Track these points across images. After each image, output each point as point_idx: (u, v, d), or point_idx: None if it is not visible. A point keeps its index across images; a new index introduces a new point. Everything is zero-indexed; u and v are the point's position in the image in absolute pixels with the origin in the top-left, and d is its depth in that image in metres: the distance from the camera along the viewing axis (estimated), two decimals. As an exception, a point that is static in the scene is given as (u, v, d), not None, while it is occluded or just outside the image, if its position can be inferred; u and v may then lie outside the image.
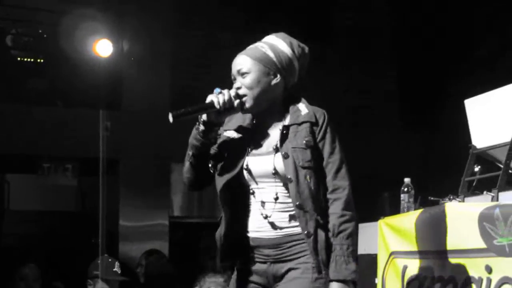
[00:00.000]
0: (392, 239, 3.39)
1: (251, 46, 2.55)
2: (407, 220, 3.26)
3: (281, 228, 2.45)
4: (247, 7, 7.12)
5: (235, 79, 2.52)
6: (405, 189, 3.47)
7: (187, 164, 2.54)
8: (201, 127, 2.46)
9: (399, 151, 7.19)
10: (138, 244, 6.34)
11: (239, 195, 2.51)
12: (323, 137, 2.48)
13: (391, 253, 3.39)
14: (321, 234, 2.41)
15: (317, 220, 2.41)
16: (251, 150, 2.50)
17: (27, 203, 7.10)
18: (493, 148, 3.17)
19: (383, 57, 7.88)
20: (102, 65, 6.16)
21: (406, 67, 7.58)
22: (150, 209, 6.79)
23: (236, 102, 2.45)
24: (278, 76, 2.50)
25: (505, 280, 2.65)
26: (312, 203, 2.41)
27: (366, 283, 3.69)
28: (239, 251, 2.51)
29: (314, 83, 7.45)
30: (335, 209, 2.43)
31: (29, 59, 6.62)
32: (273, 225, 2.45)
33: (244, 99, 2.47)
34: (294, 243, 2.44)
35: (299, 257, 2.43)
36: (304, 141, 2.44)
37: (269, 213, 2.46)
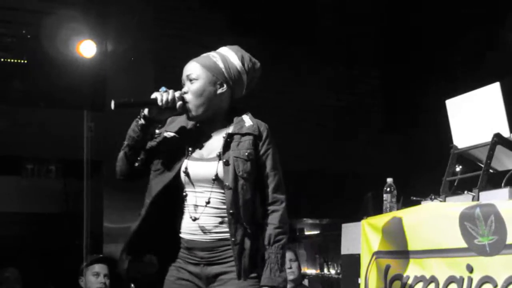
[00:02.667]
0: (375, 239, 3.41)
1: (204, 54, 2.65)
2: (390, 220, 3.28)
3: (212, 232, 2.53)
4: (229, 9, 7.13)
5: (184, 83, 2.60)
6: (388, 189, 3.49)
7: (121, 153, 2.64)
8: (141, 121, 2.55)
9: (382, 151, 7.23)
10: (123, 246, 6.30)
11: (171, 196, 2.57)
12: (266, 151, 2.57)
13: (374, 253, 3.41)
14: (247, 242, 2.51)
15: (246, 229, 2.51)
16: (191, 154, 2.58)
17: (10, 205, 7.03)
18: (474, 148, 3.20)
19: (365, 57, 7.92)
20: (85, 65, 6.13)
21: (388, 67, 7.63)
22: (135, 210, 6.73)
23: (179, 103, 2.53)
24: (225, 86, 2.58)
25: (486, 279, 2.67)
26: (244, 212, 2.50)
27: (349, 283, 3.71)
28: (169, 251, 2.58)
29: (298, 83, 7.53)
30: (273, 220, 2.54)
31: (12, 60, 6.56)
32: (203, 229, 2.53)
33: (187, 104, 2.55)
34: (226, 247, 2.52)
35: (231, 261, 2.52)
36: (247, 153, 2.53)
37: (198, 216, 2.53)
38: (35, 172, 6.67)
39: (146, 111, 2.55)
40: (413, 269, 3.09)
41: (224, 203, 2.51)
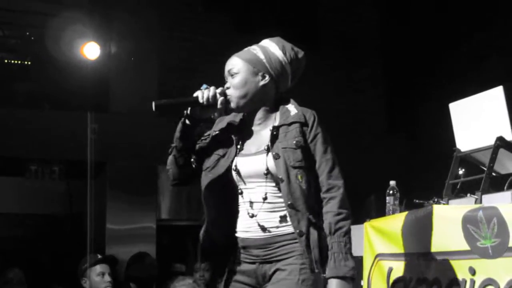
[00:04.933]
0: (377, 241, 3.42)
1: (245, 49, 2.59)
2: (393, 223, 3.29)
3: (269, 228, 2.46)
4: (233, 11, 7.15)
5: (226, 79, 2.55)
6: (391, 192, 3.50)
7: (170, 157, 2.58)
8: (185, 121, 2.51)
9: (385, 154, 7.24)
10: (125, 247, 6.32)
11: (225, 195, 2.52)
12: (314, 137, 2.49)
13: (377, 255, 3.41)
14: (313, 233, 2.41)
15: (309, 219, 2.41)
16: (240, 151, 2.53)
17: (14, 206, 7.05)
18: (477, 151, 3.21)
19: (369, 61, 7.93)
20: (89, 67, 6.16)
21: (392, 70, 7.63)
22: (138, 211, 6.77)
23: (220, 99, 2.48)
24: (267, 77, 2.52)
25: (488, 282, 2.68)
26: (304, 203, 2.41)
27: (352, 285, 3.72)
28: (227, 251, 2.52)
29: (300, 85, 7.54)
30: (331, 207, 2.43)
31: (16, 62, 6.60)
32: (261, 225, 2.46)
33: (228, 97, 2.50)
34: (283, 243, 2.44)
35: (287, 258, 2.44)
36: (294, 141, 2.45)
37: (256, 212, 2.47)
38: (39, 173, 6.69)
39: (188, 110, 2.50)
40: (415, 272, 3.10)
41: (280, 196, 2.44)
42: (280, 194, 2.45)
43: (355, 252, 3.69)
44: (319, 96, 7.52)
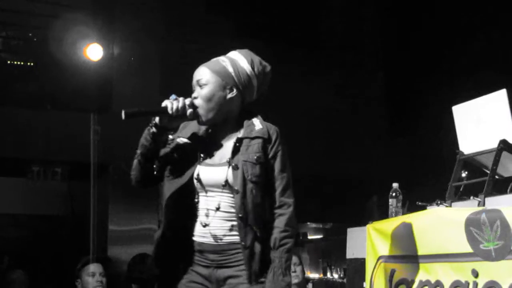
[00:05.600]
0: (380, 243, 3.42)
1: (214, 59, 2.66)
2: (395, 225, 3.29)
3: (220, 236, 2.55)
4: (236, 13, 7.15)
5: (194, 89, 2.62)
6: (393, 194, 3.51)
7: (135, 161, 2.66)
8: (152, 129, 2.57)
9: (387, 156, 7.24)
10: (128, 248, 6.33)
11: (185, 201, 2.59)
12: (275, 154, 2.57)
13: (379, 257, 3.42)
14: (257, 246, 2.51)
15: (256, 233, 2.51)
16: (203, 160, 2.60)
17: (16, 207, 7.06)
18: (480, 154, 3.21)
19: (370, 62, 7.93)
20: (92, 69, 6.16)
21: (394, 72, 7.63)
22: (140, 213, 6.77)
23: (189, 111, 2.55)
24: (235, 90, 2.59)
25: (491, 284, 2.68)
26: (254, 216, 2.51)
27: (355, 287, 3.72)
28: (183, 254, 2.60)
29: (302, 87, 7.54)
30: (279, 223, 2.54)
31: (19, 63, 6.60)
32: (214, 234, 2.55)
33: (197, 110, 2.56)
34: (236, 250, 2.54)
35: (240, 265, 2.54)
36: (255, 157, 2.54)
37: (209, 221, 2.55)
38: (41, 174, 6.69)
39: (157, 119, 2.55)
40: (418, 274, 3.10)
41: (233, 207, 2.53)
42: (233, 205, 2.53)
43: (358, 254, 3.73)
44: (320, 98, 7.54)
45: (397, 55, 7.50)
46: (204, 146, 2.62)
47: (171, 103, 2.53)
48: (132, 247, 6.35)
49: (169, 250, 2.61)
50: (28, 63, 6.58)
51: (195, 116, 2.57)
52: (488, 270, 2.69)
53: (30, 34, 6.52)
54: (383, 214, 3.64)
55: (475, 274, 2.75)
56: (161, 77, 6.97)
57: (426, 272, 3.05)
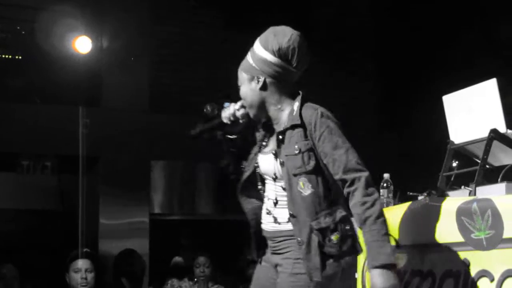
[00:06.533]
0: (371, 234, 3.41)
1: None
2: (386, 215, 3.27)
3: (278, 225, 2.57)
4: (226, 6, 7.12)
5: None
6: (384, 185, 3.50)
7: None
8: (225, 141, 2.68)
9: (378, 147, 7.24)
10: (118, 242, 6.31)
11: (255, 190, 2.68)
12: (320, 137, 2.48)
13: (371, 248, 3.41)
14: (314, 239, 2.44)
15: (311, 226, 2.45)
16: (261, 149, 2.66)
17: (5, 201, 7.02)
18: (471, 143, 3.21)
19: (361, 54, 7.93)
20: (81, 62, 6.13)
21: (384, 63, 7.64)
22: (130, 206, 6.76)
23: (240, 113, 2.63)
24: (261, 78, 2.53)
25: (482, 273, 2.68)
26: (305, 210, 2.46)
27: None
28: (263, 242, 2.68)
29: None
30: (355, 199, 2.43)
31: (6, 56, 6.56)
32: (273, 220, 2.59)
33: (246, 109, 2.62)
34: (282, 238, 2.55)
35: (285, 252, 2.55)
36: (296, 146, 2.49)
37: (270, 209, 2.60)
38: (30, 168, 6.65)
39: (221, 132, 2.67)
40: (410, 264, 3.10)
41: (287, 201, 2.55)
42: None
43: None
44: (309, 91, 7.53)
45: (388, 46, 7.50)
46: (266, 135, 2.67)
47: (224, 112, 2.64)
48: (123, 241, 6.33)
49: (257, 238, 2.69)
50: (16, 56, 6.53)
51: (247, 115, 2.63)
52: (480, 259, 2.69)
53: (18, 27, 6.46)
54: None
55: (467, 263, 2.75)
56: (151, 70, 6.94)
57: (418, 262, 3.05)
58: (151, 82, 6.91)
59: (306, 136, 2.49)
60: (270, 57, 2.52)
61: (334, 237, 2.44)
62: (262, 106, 2.57)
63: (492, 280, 2.63)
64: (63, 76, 6.11)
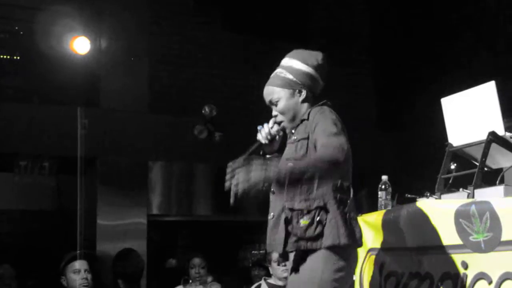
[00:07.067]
0: (369, 236, 3.42)
1: (272, 75, 2.85)
2: (385, 217, 3.29)
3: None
4: (222, 7, 7.12)
5: (271, 108, 2.83)
6: (383, 187, 3.50)
7: None
8: (268, 163, 2.70)
9: (377, 148, 7.25)
10: (116, 243, 6.30)
11: None
12: (314, 128, 2.67)
13: (369, 250, 3.42)
14: (282, 216, 2.64)
15: (284, 204, 2.65)
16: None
17: (3, 202, 7.00)
18: (469, 146, 3.20)
19: (359, 55, 7.93)
20: (79, 62, 6.12)
21: (382, 65, 7.64)
22: (128, 207, 6.75)
23: (274, 130, 2.79)
24: (303, 91, 2.78)
25: (480, 276, 2.69)
26: (284, 191, 2.63)
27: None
28: None
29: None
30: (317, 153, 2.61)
31: (5, 56, 6.55)
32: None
33: (282, 125, 2.79)
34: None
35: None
36: (295, 137, 2.72)
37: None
38: (29, 169, 6.64)
39: (261, 153, 2.79)
40: (408, 266, 3.10)
41: None
42: None
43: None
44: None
45: (386, 48, 7.51)
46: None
47: (260, 134, 2.80)
48: (121, 242, 6.33)
49: None
50: (14, 57, 6.53)
51: (282, 130, 2.80)
52: (478, 262, 2.69)
53: (16, 28, 6.46)
54: (373, 206, 3.64)
55: (465, 266, 2.76)
56: (149, 70, 6.94)
57: (416, 264, 3.05)
58: (149, 83, 6.90)
59: (304, 130, 2.70)
60: (312, 71, 2.80)
61: (302, 221, 2.60)
62: (301, 115, 2.77)
63: (490, 282, 2.63)
64: (61, 77, 6.11)
